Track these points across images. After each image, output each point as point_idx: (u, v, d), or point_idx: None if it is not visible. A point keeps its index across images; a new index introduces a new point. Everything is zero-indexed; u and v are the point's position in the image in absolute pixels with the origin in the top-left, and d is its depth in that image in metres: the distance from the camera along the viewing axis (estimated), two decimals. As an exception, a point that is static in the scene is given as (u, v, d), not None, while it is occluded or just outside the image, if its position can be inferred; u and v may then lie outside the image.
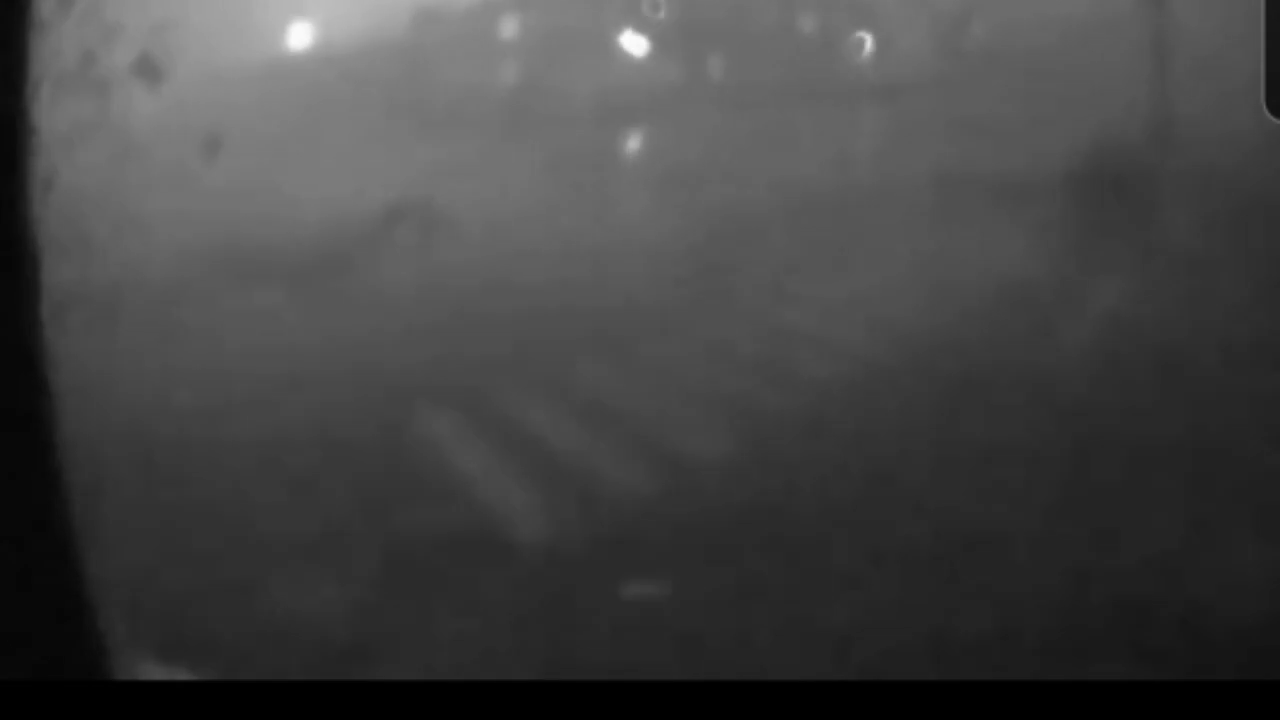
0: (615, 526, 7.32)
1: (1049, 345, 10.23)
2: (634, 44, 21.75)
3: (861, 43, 22.86)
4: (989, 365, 9.94)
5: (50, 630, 1.90)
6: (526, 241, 13.19)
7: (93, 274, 9.13)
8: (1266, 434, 7.84)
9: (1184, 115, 14.38)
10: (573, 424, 9.01)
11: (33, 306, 1.79)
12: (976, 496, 7.45)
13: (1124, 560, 6.55)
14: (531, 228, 13.88)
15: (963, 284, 11.92)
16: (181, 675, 2.13)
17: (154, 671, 2.12)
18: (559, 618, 6.22)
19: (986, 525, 7.06)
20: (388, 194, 13.90)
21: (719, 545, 6.94)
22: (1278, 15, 6.21)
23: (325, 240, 12.77)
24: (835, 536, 6.95)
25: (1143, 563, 6.51)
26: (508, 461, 8.17)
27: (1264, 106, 6.21)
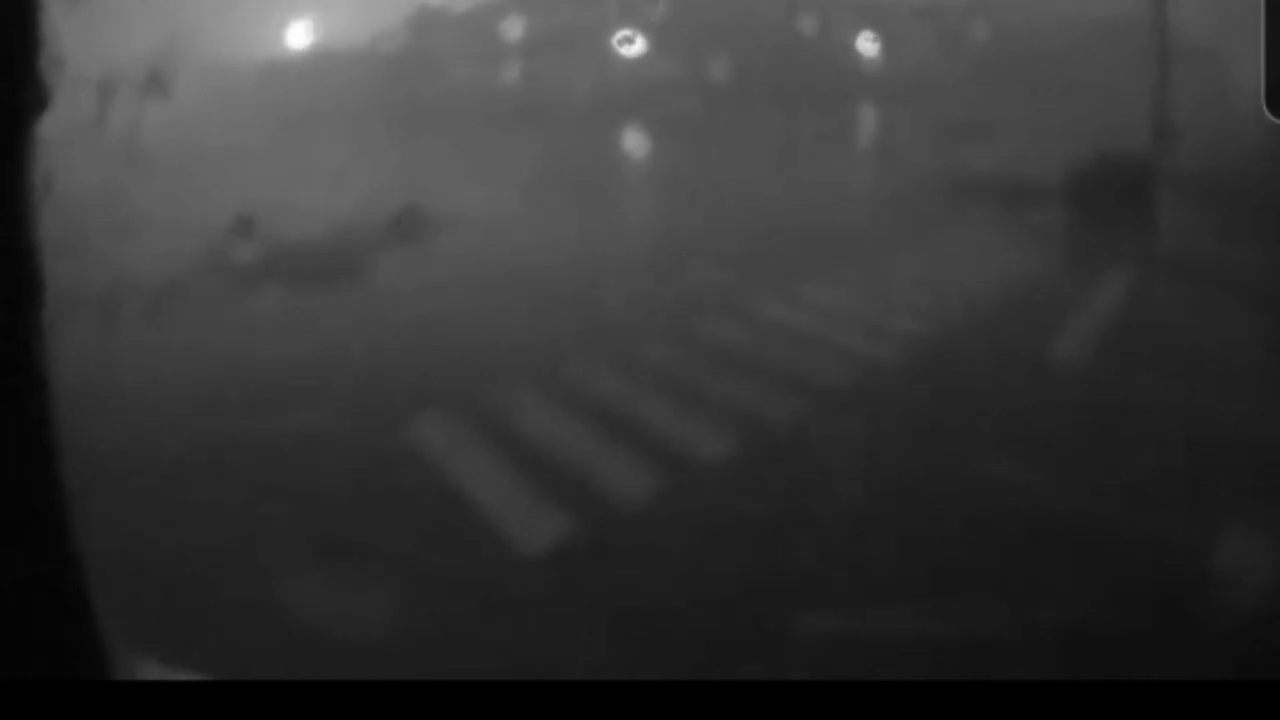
0: (614, 525, 7.32)
1: (1051, 343, 10.24)
2: (635, 46, 21.73)
3: (864, 45, 22.82)
4: (990, 364, 9.95)
5: (50, 630, 1.90)
6: (527, 242, 13.19)
7: (92, 274, 9.14)
8: (1267, 431, 7.84)
9: (1184, 116, 14.36)
10: (576, 423, 9.00)
11: (33, 306, 1.79)
12: (978, 492, 7.46)
13: (1126, 556, 6.56)
14: (532, 228, 13.87)
15: (964, 284, 11.93)
16: (181, 675, 2.13)
17: (154, 671, 2.12)
18: (558, 616, 6.22)
19: (988, 521, 7.06)
20: (387, 196, 13.89)
21: (718, 544, 6.94)
22: (1278, 16, 6.22)
23: (326, 241, 12.77)
24: (837, 536, 6.96)
25: (1145, 556, 6.51)
26: (509, 461, 8.17)
27: (1264, 106, 6.21)
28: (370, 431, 8.45)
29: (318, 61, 19.66)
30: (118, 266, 10.22)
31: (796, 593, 6.39)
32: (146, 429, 8.19)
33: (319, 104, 17.04)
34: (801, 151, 16.89)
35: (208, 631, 5.38)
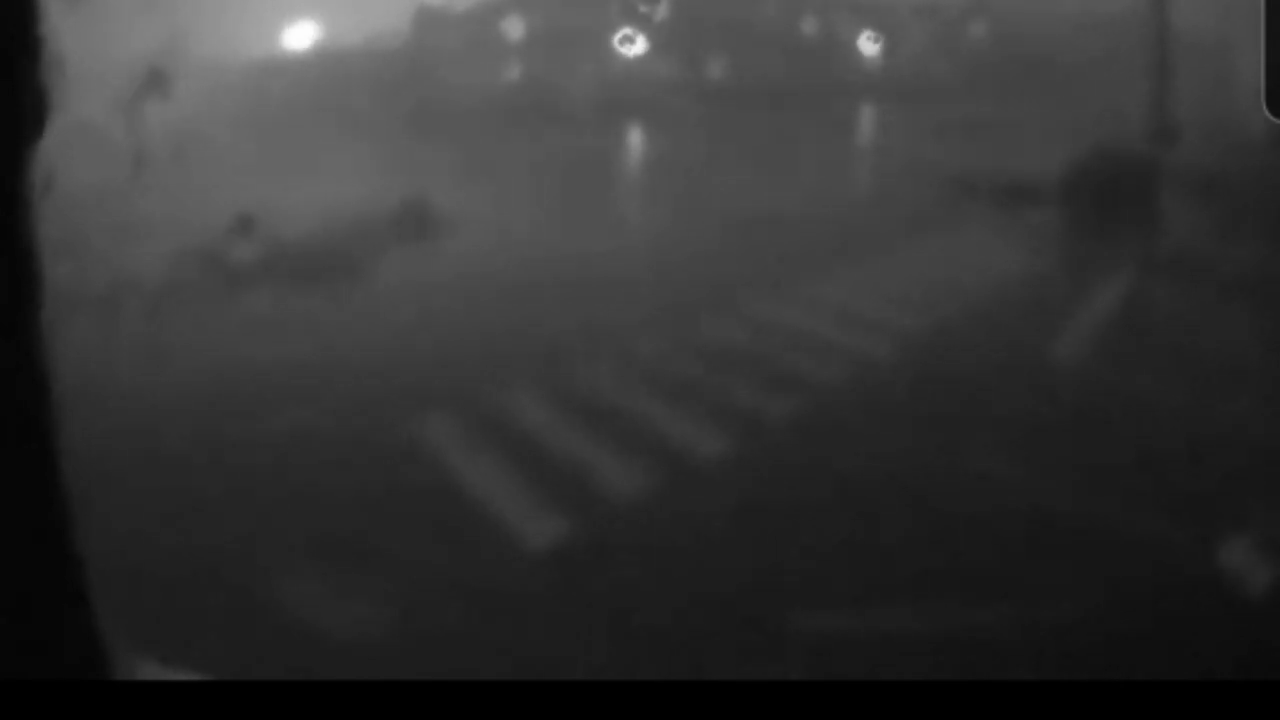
0: (614, 525, 7.33)
1: (1050, 343, 10.24)
2: (635, 45, 21.71)
3: (863, 44, 22.80)
4: (989, 363, 9.95)
5: (50, 630, 1.90)
6: (528, 241, 13.18)
7: (92, 274, 9.13)
8: (1267, 431, 7.85)
9: (1184, 114, 14.34)
10: (575, 423, 9.01)
11: (33, 306, 1.79)
12: (978, 492, 7.46)
13: (1126, 556, 6.56)
14: (532, 227, 13.85)
15: (963, 283, 11.93)
16: (181, 675, 2.13)
17: (154, 671, 2.12)
18: (558, 616, 6.22)
19: (988, 521, 7.07)
20: (387, 195, 13.88)
21: (718, 544, 6.94)
22: (1278, 15, 6.23)
23: (326, 241, 12.76)
24: (836, 535, 6.96)
25: (1145, 556, 6.52)
26: (508, 461, 8.17)
27: (1264, 106, 6.21)
28: (370, 431, 8.45)
29: (318, 61, 19.68)
30: (118, 266, 10.23)
31: (796, 593, 6.39)
32: (146, 428, 8.19)
33: (319, 103, 17.05)
34: (801, 150, 16.89)
35: (208, 631, 5.38)
